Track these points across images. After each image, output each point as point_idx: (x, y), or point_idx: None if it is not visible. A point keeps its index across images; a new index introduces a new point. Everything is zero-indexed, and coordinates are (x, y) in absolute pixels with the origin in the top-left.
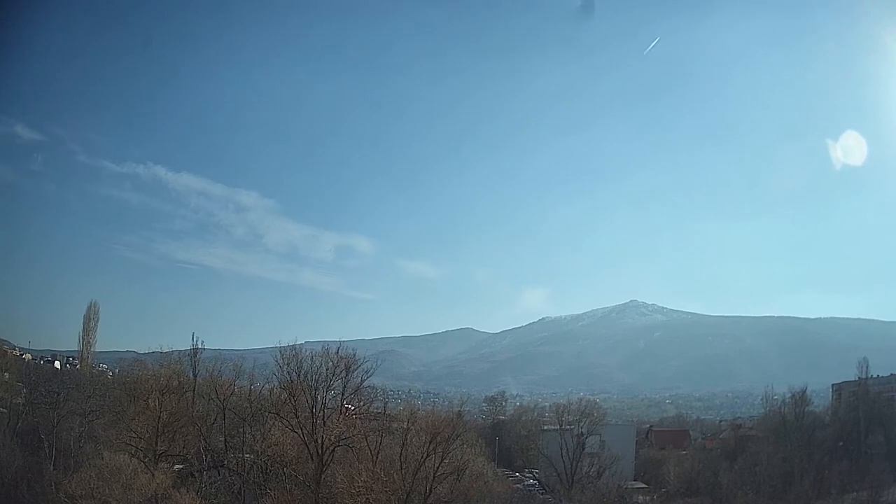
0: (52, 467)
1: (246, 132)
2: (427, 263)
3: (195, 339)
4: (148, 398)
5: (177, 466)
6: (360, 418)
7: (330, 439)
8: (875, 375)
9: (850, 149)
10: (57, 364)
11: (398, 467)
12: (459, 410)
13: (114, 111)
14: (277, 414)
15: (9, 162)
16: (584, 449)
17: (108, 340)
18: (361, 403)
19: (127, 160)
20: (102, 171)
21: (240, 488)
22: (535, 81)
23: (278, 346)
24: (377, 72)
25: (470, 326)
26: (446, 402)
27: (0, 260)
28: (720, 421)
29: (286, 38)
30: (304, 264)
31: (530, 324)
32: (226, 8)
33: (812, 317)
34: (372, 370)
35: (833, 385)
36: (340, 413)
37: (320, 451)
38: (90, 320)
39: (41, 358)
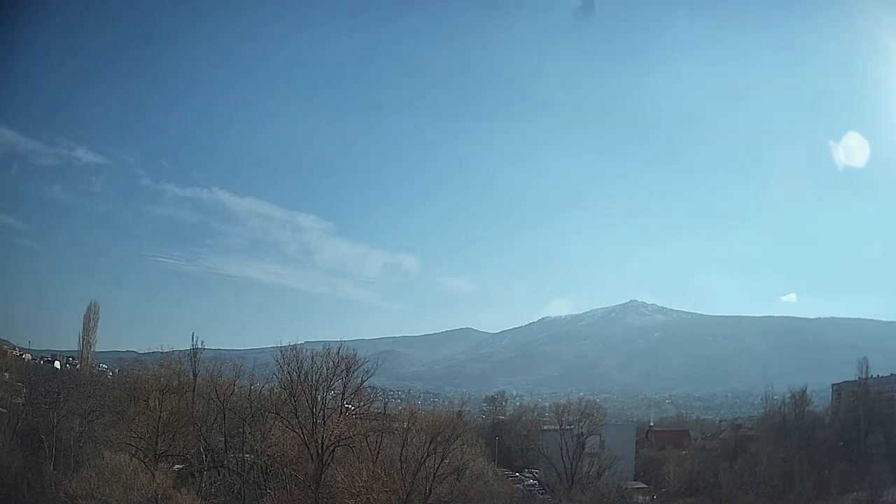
0: (52, 467)
1: (309, 159)
2: (464, 278)
3: (195, 339)
4: (148, 398)
5: (177, 466)
6: (360, 418)
7: (330, 439)
8: (875, 375)
9: (852, 150)
10: (57, 364)
11: (398, 467)
12: (459, 410)
13: (185, 140)
14: (277, 414)
15: (66, 182)
16: (584, 449)
17: (108, 340)
18: (361, 403)
19: (192, 185)
20: (164, 193)
21: (240, 488)
22: (535, 83)
23: (279, 346)
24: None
25: (470, 326)
26: (446, 402)
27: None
28: (720, 421)
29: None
30: (347, 279)
31: (530, 324)
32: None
33: (812, 317)
34: (372, 370)
35: (833, 385)
36: (340, 413)
37: (320, 451)
38: (90, 320)
39: (41, 358)
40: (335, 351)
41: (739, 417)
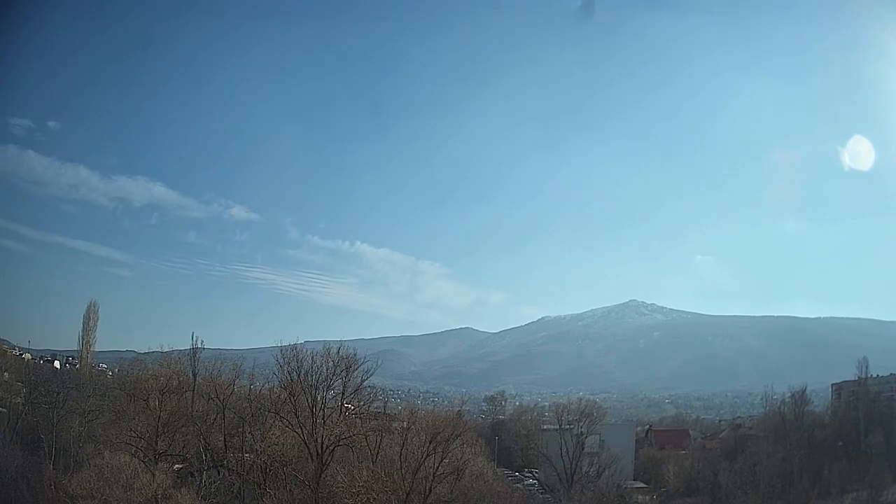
0: (52, 467)
1: (435, 212)
2: (537, 306)
3: (195, 339)
4: (148, 398)
5: (176, 466)
6: (360, 418)
7: (330, 439)
8: (875, 375)
9: (857, 153)
10: (57, 364)
11: (398, 467)
12: (459, 410)
13: (340, 202)
14: (277, 414)
15: (202, 229)
16: (583, 449)
17: (108, 340)
18: (361, 403)
19: (335, 237)
20: (305, 243)
21: (240, 488)
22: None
23: (279, 345)
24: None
25: (470, 326)
26: (446, 402)
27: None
28: (720, 421)
29: None
30: (432, 309)
31: (530, 323)
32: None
33: (812, 317)
34: (372, 370)
35: (833, 385)
36: (340, 413)
37: (320, 451)
38: (90, 320)
39: (41, 358)
40: (335, 351)
41: (739, 417)
